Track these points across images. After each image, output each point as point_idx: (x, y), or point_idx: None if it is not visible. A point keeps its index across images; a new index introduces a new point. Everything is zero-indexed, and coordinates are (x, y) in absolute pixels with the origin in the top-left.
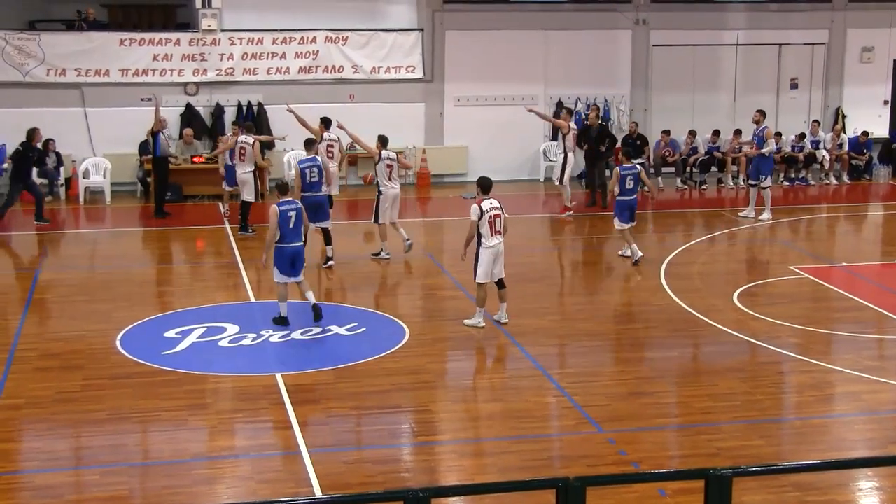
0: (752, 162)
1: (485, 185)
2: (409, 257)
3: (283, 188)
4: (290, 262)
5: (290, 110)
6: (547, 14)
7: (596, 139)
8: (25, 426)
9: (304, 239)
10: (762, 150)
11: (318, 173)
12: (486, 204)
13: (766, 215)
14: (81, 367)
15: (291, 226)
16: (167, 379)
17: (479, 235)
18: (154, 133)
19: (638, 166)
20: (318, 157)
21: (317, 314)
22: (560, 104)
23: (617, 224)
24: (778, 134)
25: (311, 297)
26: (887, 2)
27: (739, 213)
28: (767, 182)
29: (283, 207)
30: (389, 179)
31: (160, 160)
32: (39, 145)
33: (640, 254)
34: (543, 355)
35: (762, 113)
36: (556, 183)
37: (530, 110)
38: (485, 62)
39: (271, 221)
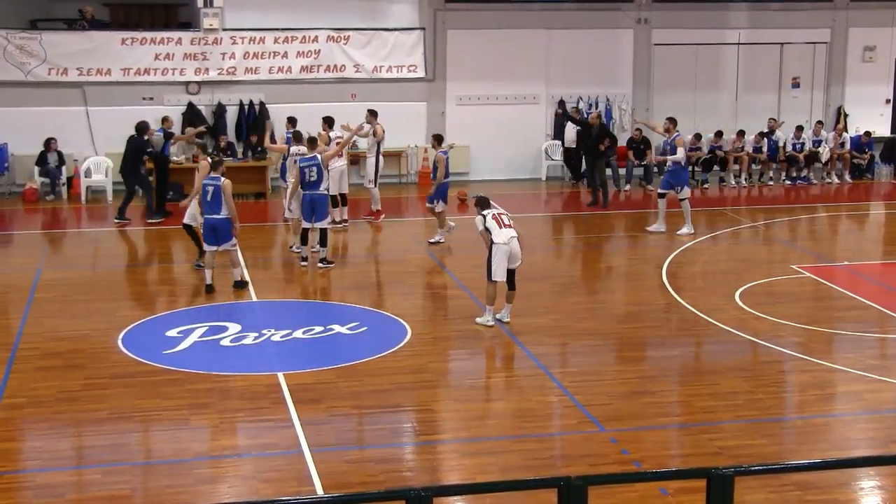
0: (664, 173)
1: (483, 203)
2: (410, 256)
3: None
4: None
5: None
6: (548, 13)
7: (596, 138)
8: (27, 425)
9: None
10: (669, 158)
11: (317, 172)
12: (486, 211)
13: (685, 230)
14: (83, 366)
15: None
16: (169, 378)
17: (490, 234)
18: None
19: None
20: (319, 157)
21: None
22: (561, 103)
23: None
24: (697, 136)
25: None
26: (889, 1)
27: (648, 228)
28: (685, 193)
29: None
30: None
31: (160, 159)
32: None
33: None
34: (545, 354)
35: (672, 121)
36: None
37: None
38: (486, 61)
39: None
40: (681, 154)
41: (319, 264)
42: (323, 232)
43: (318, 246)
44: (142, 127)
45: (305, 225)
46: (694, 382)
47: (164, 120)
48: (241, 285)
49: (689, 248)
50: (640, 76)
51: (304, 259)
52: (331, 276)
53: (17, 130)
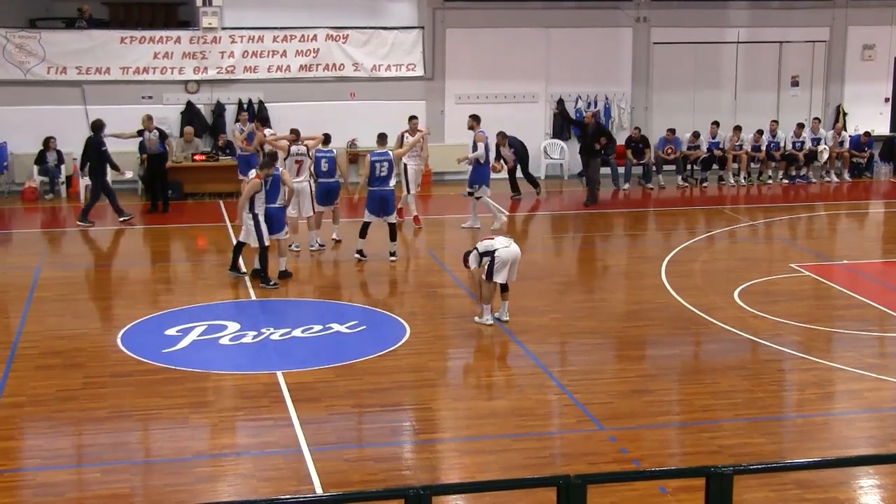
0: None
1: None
2: (410, 255)
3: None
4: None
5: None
6: (548, 12)
7: (591, 137)
8: (27, 424)
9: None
10: (469, 157)
11: (388, 168)
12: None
13: (497, 224)
14: (82, 364)
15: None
16: (168, 377)
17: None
18: (140, 132)
19: None
20: (391, 153)
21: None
22: (560, 102)
23: None
24: (695, 134)
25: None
26: None
27: (462, 225)
28: (482, 192)
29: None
30: (298, 175)
31: (153, 158)
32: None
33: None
34: (544, 353)
35: (475, 118)
36: None
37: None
38: (486, 60)
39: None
40: (480, 151)
41: (391, 258)
42: (392, 226)
43: (360, 242)
44: (98, 125)
45: (369, 219)
46: (693, 381)
47: (148, 119)
48: (285, 275)
49: (688, 246)
50: (640, 75)
51: (361, 254)
52: (329, 275)
53: (17, 129)
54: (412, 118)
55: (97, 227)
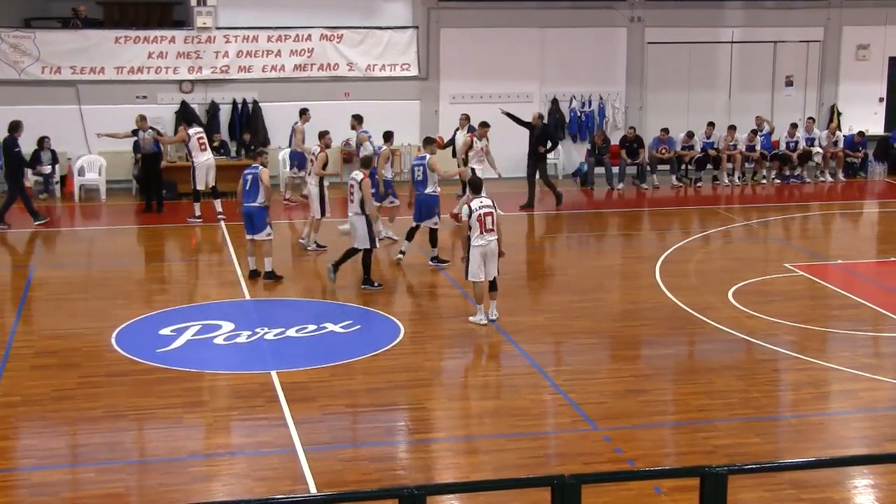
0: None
1: (475, 185)
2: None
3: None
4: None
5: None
6: (542, 12)
7: (537, 140)
8: (22, 424)
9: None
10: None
11: (423, 172)
12: (475, 203)
13: (344, 227)
14: (77, 364)
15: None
16: (163, 376)
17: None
18: (134, 132)
19: None
20: (427, 157)
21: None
22: (555, 101)
23: None
24: (689, 134)
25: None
26: None
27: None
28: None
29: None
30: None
31: (147, 158)
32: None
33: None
34: (539, 353)
35: (357, 118)
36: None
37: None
38: (480, 60)
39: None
40: (368, 149)
41: (431, 262)
42: (433, 231)
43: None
44: (14, 126)
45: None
46: (688, 381)
47: (143, 119)
48: (271, 276)
49: (682, 246)
50: (634, 75)
51: (438, 260)
52: (323, 274)
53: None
54: (483, 125)
55: (88, 226)
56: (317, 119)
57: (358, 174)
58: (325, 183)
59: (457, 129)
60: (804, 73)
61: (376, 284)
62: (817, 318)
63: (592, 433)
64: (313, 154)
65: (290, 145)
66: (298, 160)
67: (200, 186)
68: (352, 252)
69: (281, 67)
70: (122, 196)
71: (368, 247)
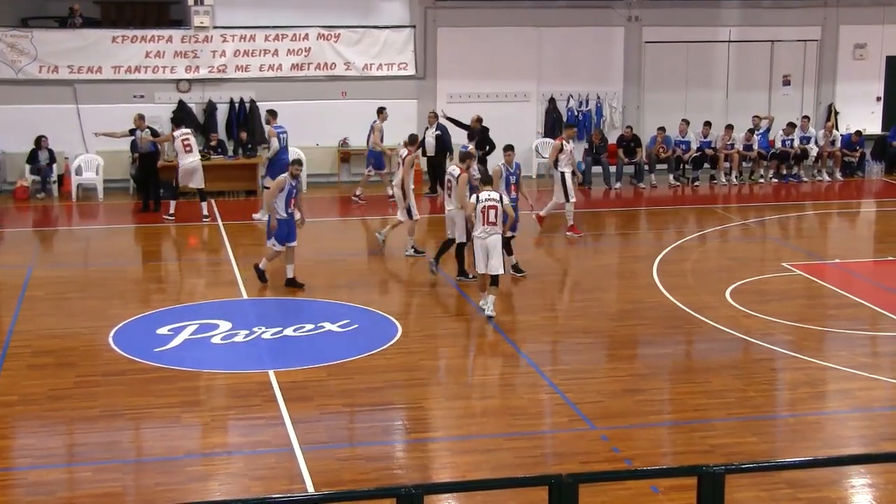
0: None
1: (486, 179)
2: (400, 254)
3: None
4: None
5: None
6: (539, 11)
7: (477, 144)
8: (19, 423)
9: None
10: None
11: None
12: (483, 195)
13: (258, 214)
14: (74, 364)
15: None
16: (160, 376)
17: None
18: (131, 131)
19: None
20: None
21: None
22: (552, 101)
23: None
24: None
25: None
26: None
27: (254, 216)
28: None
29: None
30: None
31: (145, 157)
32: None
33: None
34: (536, 352)
35: (271, 113)
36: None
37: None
38: (477, 59)
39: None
40: (274, 144)
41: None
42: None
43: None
44: None
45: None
46: (685, 380)
47: (140, 118)
48: (293, 283)
49: (680, 246)
50: (631, 74)
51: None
52: (322, 274)
53: (8, 128)
54: (568, 126)
55: (86, 225)
56: (316, 119)
57: (455, 169)
58: (411, 186)
59: (426, 129)
60: (801, 73)
61: (471, 276)
62: (814, 317)
63: (590, 432)
64: (400, 157)
65: (367, 144)
66: (376, 160)
67: (182, 185)
68: (449, 244)
69: (278, 67)
70: (119, 195)
71: (465, 241)
